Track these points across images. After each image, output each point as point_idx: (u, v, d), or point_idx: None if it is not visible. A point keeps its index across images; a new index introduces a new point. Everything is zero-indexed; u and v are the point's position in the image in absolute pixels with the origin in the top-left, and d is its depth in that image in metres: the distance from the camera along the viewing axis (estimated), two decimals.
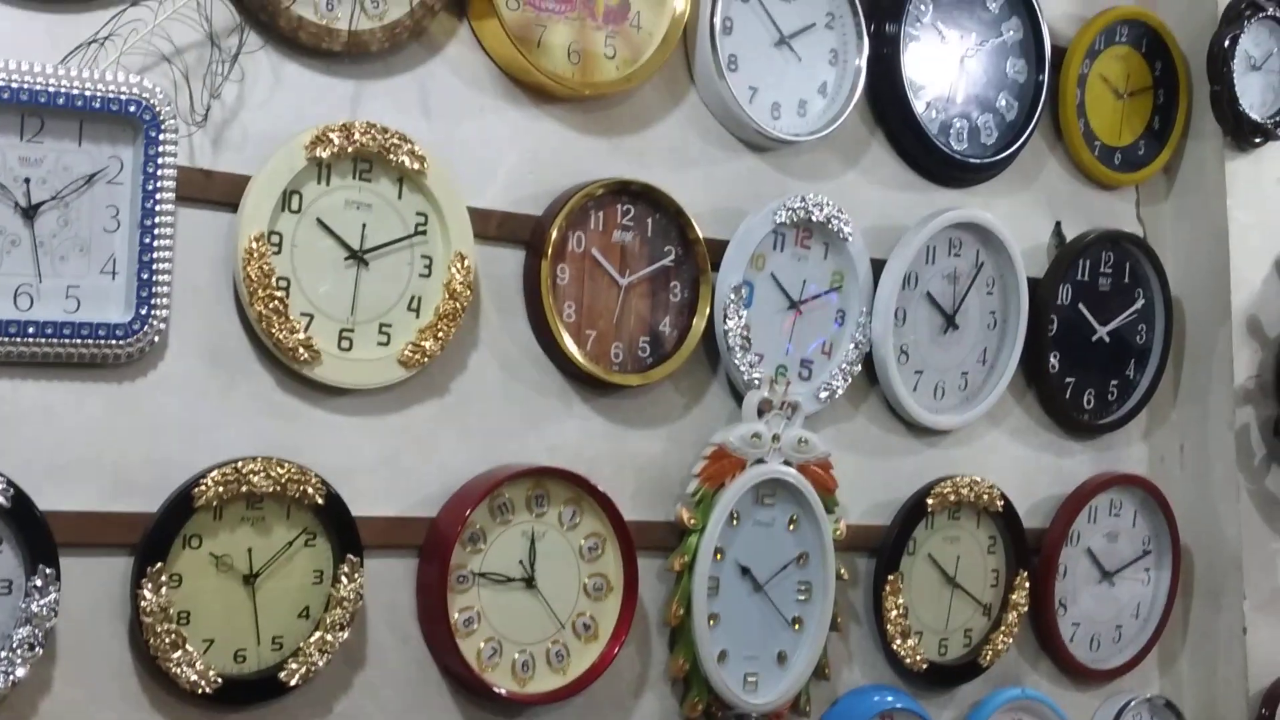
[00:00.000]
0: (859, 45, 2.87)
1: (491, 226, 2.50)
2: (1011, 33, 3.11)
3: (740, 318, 2.71)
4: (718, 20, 2.69)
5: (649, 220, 2.64)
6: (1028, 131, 3.11)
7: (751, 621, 2.73)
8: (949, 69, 3.03)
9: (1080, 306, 3.21)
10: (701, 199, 2.74)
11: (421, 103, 2.45)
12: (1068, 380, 3.21)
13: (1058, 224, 3.24)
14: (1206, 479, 3.32)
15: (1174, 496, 3.31)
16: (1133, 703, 3.20)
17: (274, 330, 2.24)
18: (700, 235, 2.67)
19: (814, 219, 2.79)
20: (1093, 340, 3.23)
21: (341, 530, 2.30)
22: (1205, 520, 3.32)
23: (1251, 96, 3.31)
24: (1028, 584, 3.06)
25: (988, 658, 3.02)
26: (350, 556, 2.30)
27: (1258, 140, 3.32)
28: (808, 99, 2.84)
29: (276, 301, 2.24)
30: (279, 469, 2.23)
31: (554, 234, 2.50)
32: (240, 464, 2.21)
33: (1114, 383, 3.28)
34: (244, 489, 2.21)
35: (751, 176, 2.81)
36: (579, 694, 2.53)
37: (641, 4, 2.64)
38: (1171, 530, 3.29)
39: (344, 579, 2.30)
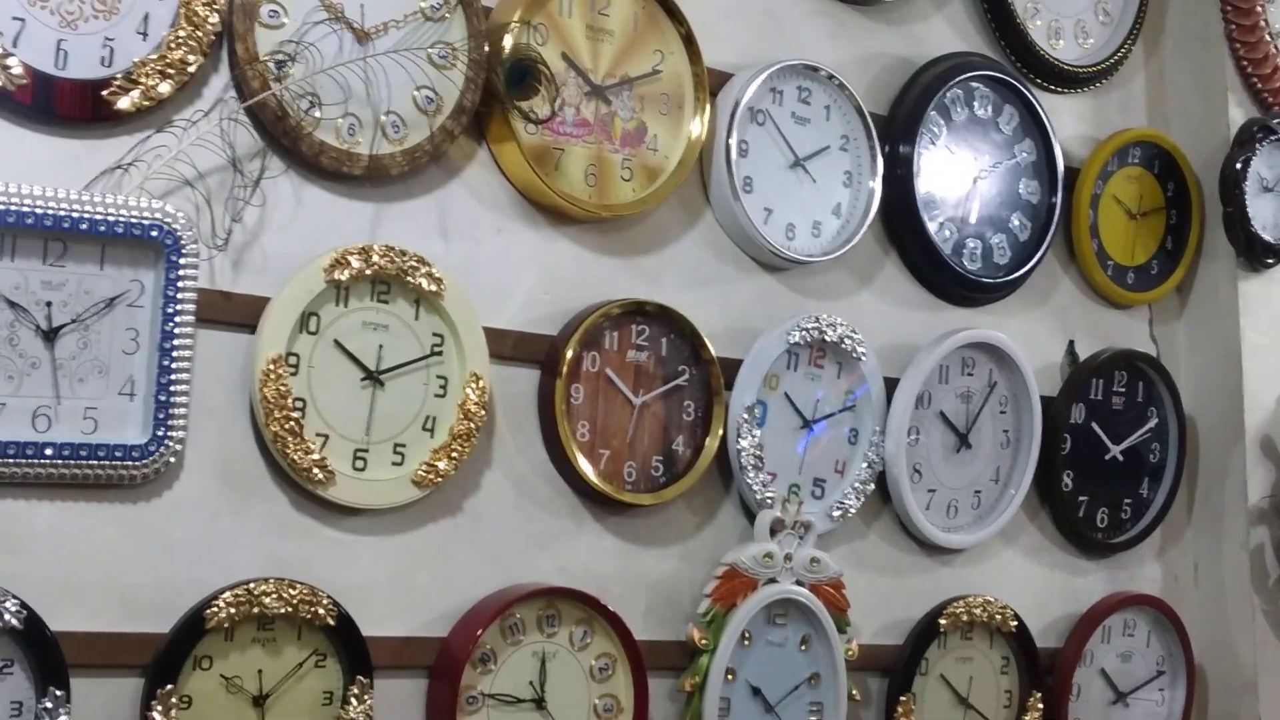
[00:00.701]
0: (873, 167, 2.90)
1: (508, 346, 2.52)
2: (1024, 154, 3.15)
3: (754, 437, 2.72)
4: (733, 143, 2.73)
5: (663, 340, 2.66)
6: (1041, 251, 3.14)
7: None
8: (962, 190, 3.06)
9: (1094, 425, 3.21)
10: (716, 319, 2.76)
11: (440, 224, 2.48)
12: (1081, 499, 3.20)
13: (1071, 343, 3.25)
14: (1220, 599, 3.31)
15: (1188, 616, 3.30)
16: None
17: (289, 450, 2.25)
18: (714, 355, 2.69)
19: (827, 338, 2.81)
20: (1106, 459, 3.23)
21: (352, 651, 2.30)
22: (1219, 641, 3.30)
23: (1264, 218, 3.33)
24: (1041, 705, 3.04)
25: None
26: (360, 678, 2.30)
27: (1270, 261, 3.34)
28: (822, 220, 2.87)
29: (292, 422, 2.25)
30: (291, 590, 2.23)
31: (569, 353, 2.52)
32: (253, 585, 2.21)
33: (1128, 502, 3.28)
34: (256, 610, 2.21)
35: (766, 296, 2.84)
36: None
37: (659, 127, 2.68)
38: (1185, 651, 3.27)
39: (354, 700, 2.29)
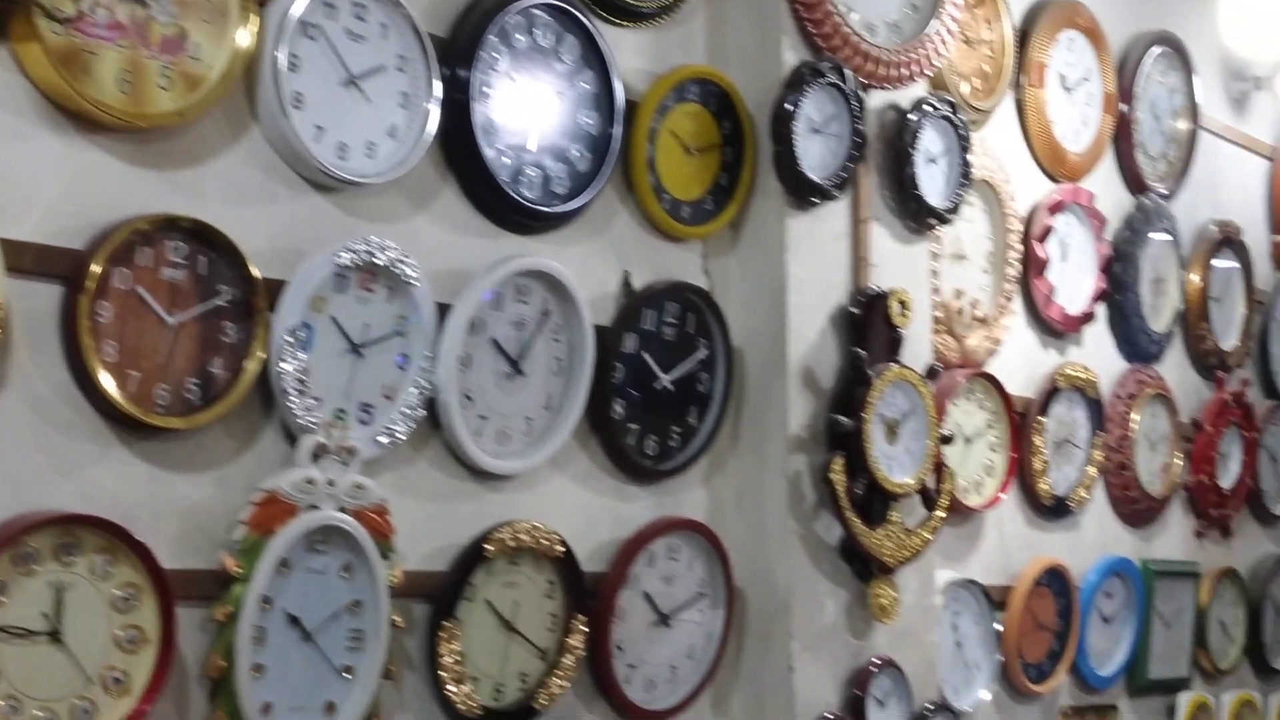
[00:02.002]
0: (430, 89, 2.86)
1: (27, 260, 2.37)
2: (585, 85, 3.17)
3: (298, 360, 2.66)
4: (282, 56, 2.64)
5: (201, 258, 2.56)
6: (598, 183, 3.17)
7: (299, 672, 2.67)
8: (522, 118, 3.06)
9: (645, 355, 3.29)
10: (261, 238, 2.67)
11: None
12: (631, 427, 3.28)
13: (626, 274, 3.31)
14: (760, 524, 3.45)
15: (730, 541, 3.42)
16: None
17: None
18: (258, 275, 2.61)
19: (378, 262, 2.76)
20: (657, 388, 3.31)
21: None
22: (758, 564, 3.45)
23: (812, 158, 3.46)
24: (584, 628, 3.11)
25: (543, 702, 3.04)
26: None
27: (815, 200, 3.48)
28: (377, 141, 2.81)
29: None
30: None
31: (95, 269, 2.40)
32: None
33: (676, 430, 3.37)
34: None
35: (315, 217, 2.77)
36: None
37: (201, 35, 2.56)
38: (726, 573, 3.40)
39: None
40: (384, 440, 2.80)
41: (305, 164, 2.71)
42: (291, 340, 2.65)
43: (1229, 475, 5.07)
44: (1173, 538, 4.92)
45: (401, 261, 2.80)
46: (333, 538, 2.70)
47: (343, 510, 2.70)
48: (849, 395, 3.51)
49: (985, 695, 4.09)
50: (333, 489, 2.69)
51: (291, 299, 2.66)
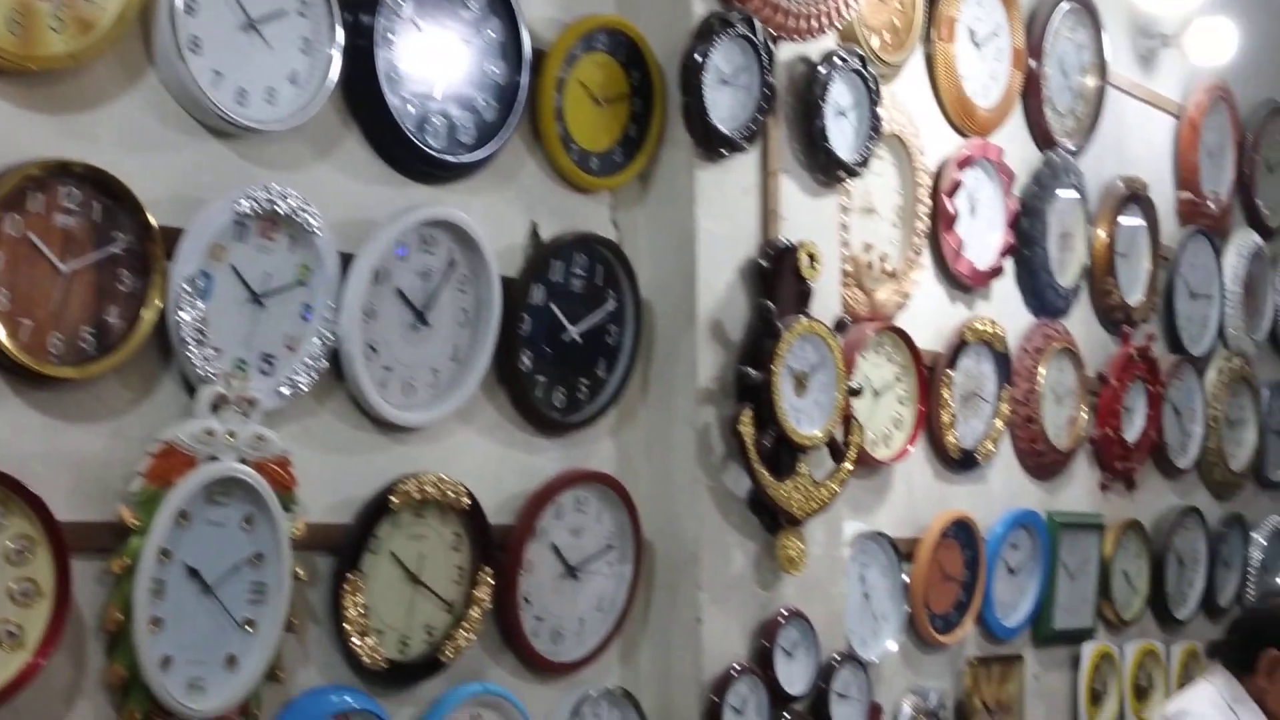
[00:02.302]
0: (332, 35, 2.82)
1: None
2: (492, 33, 3.14)
3: (196, 310, 2.62)
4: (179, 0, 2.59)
5: (96, 205, 2.51)
6: (505, 132, 3.14)
7: (200, 626, 2.64)
8: (427, 65, 3.02)
9: (553, 306, 3.27)
10: (158, 185, 2.62)
11: None
12: (539, 379, 3.26)
13: (534, 225, 3.28)
14: (669, 476, 3.45)
15: (638, 493, 3.42)
16: (591, 694, 3.28)
17: None
18: (154, 223, 2.56)
19: (279, 210, 2.72)
20: (565, 340, 3.30)
21: None
22: (666, 515, 3.45)
23: (720, 110, 3.45)
24: (491, 580, 3.09)
25: (449, 654, 3.03)
26: None
27: (724, 152, 3.47)
28: (277, 87, 2.77)
29: None
30: None
31: None
32: None
33: (584, 382, 3.36)
34: None
35: (214, 164, 2.72)
36: (1, 707, 2.37)
37: None
38: (635, 525, 3.40)
39: None
40: (286, 391, 2.77)
41: (203, 110, 2.66)
42: (190, 289, 2.60)
43: (1134, 429, 5.14)
44: (1078, 490, 4.98)
45: (303, 210, 2.76)
46: (233, 489, 2.67)
47: (243, 462, 2.67)
48: (758, 348, 3.51)
49: (892, 646, 4.13)
50: (233, 440, 2.65)
51: (189, 247, 2.62)
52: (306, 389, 2.80)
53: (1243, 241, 5.90)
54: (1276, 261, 6.18)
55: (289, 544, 2.73)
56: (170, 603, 2.59)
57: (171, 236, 2.61)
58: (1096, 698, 4.94)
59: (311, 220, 2.77)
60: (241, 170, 2.75)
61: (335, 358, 2.87)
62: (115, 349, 2.53)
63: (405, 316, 2.99)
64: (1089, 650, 4.92)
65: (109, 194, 2.52)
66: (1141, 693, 5.08)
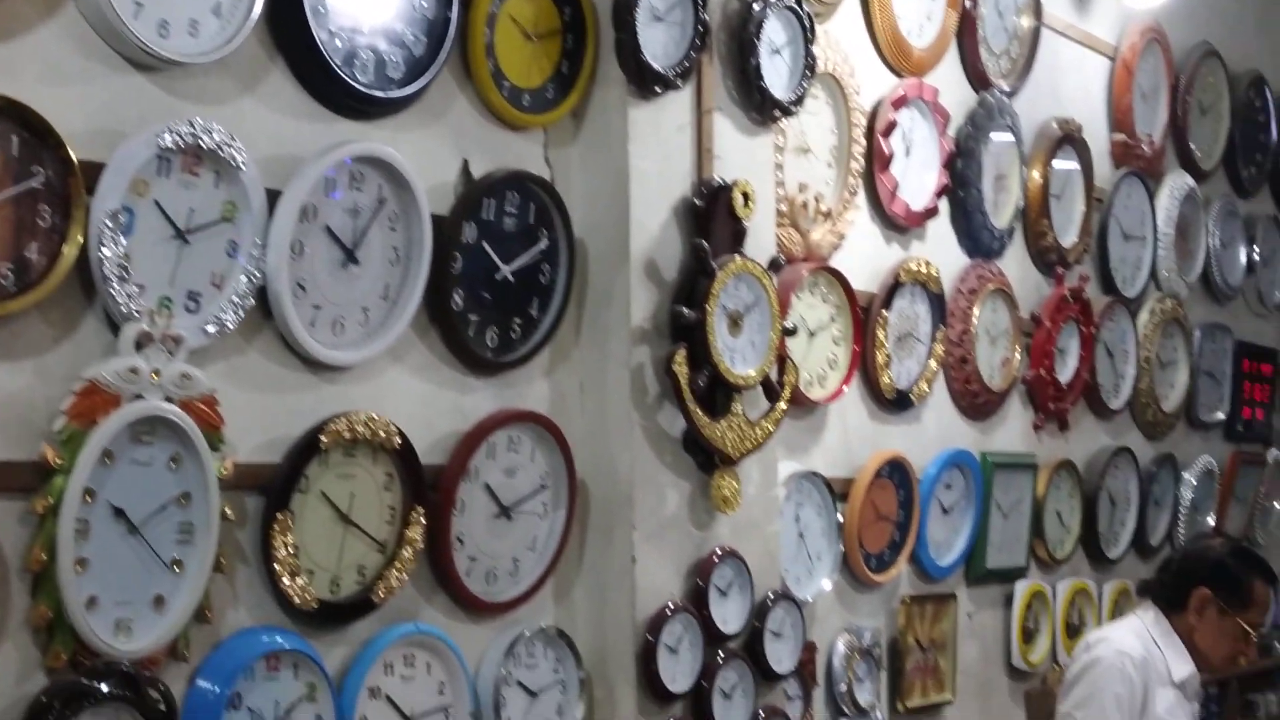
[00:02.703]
0: None
1: None
2: None
3: (118, 246, 2.57)
4: None
5: (13, 138, 2.45)
6: (435, 68, 3.10)
7: (126, 566, 2.60)
8: None
9: (485, 245, 3.24)
10: (78, 118, 2.57)
11: None
12: (472, 318, 3.23)
13: (465, 162, 3.25)
14: (603, 416, 3.44)
15: (572, 433, 3.41)
16: (526, 634, 3.28)
17: None
18: (74, 157, 2.51)
19: (203, 145, 2.68)
20: (497, 279, 3.27)
21: None
22: (601, 456, 3.44)
23: (654, 46, 3.42)
24: (424, 520, 3.08)
25: (381, 594, 3.01)
26: None
27: (658, 89, 3.44)
28: (200, 19, 2.72)
29: None
30: None
31: None
32: None
33: (518, 321, 3.33)
34: None
35: (136, 97, 2.67)
36: None
37: None
38: (569, 465, 3.38)
39: None
40: (212, 329, 2.73)
41: (124, 41, 2.60)
42: (111, 225, 2.56)
43: (1067, 370, 5.17)
44: (1011, 431, 5.01)
45: (228, 145, 2.71)
46: (159, 428, 2.63)
47: (169, 400, 2.63)
48: (692, 287, 3.50)
49: (826, 585, 4.15)
50: (158, 379, 2.61)
51: (111, 182, 2.57)
52: (233, 327, 2.77)
53: (1176, 184, 5.93)
54: (1209, 204, 6.23)
55: (217, 484, 2.70)
56: (96, 543, 2.56)
57: (92, 171, 2.56)
58: (1029, 636, 4.99)
59: (237, 156, 2.73)
60: (164, 104, 2.70)
61: (263, 296, 2.83)
62: (36, 286, 2.48)
63: (334, 254, 2.95)
64: (1021, 589, 4.97)
65: (27, 127, 2.47)
66: (1073, 630, 5.14)
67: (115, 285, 2.57)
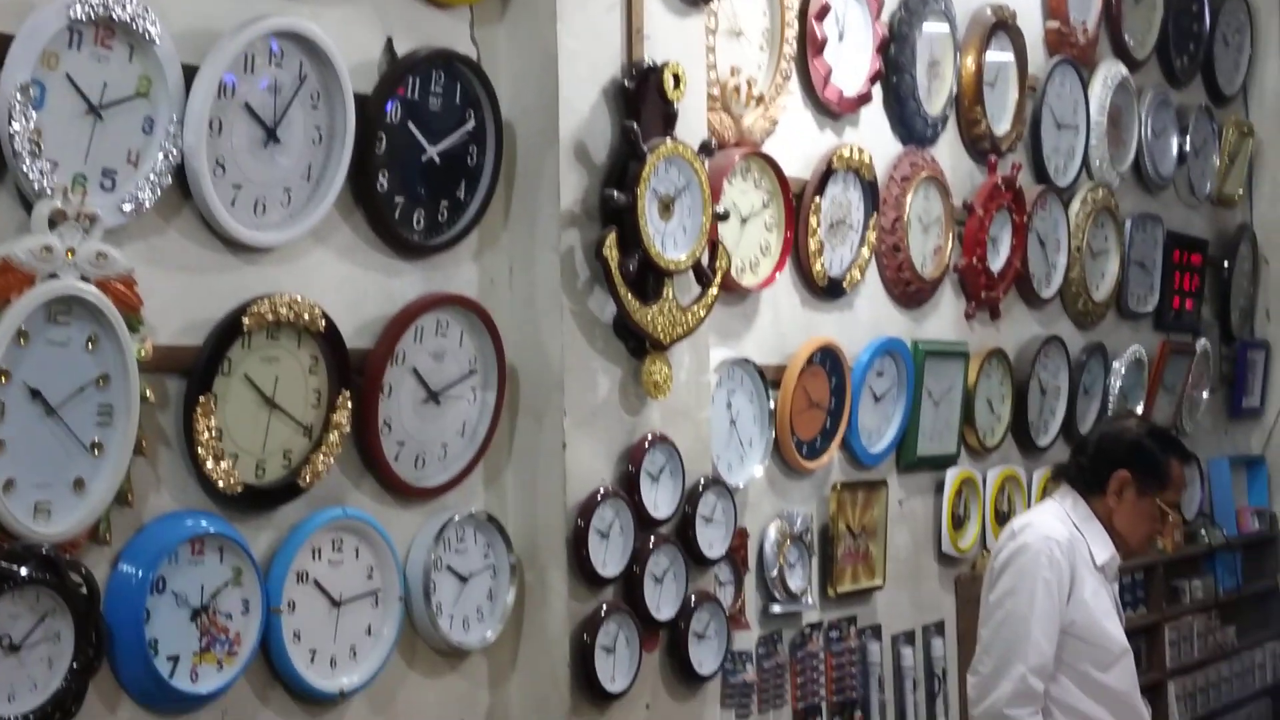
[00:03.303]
0: None
1: None
2: None
3: (29, 120, 2.50)
4: None
5: None
6: None
7: (44, 448, 2.56)
8: None
9: (410, 125, 3.18)
10: None
11: None
12: (397, 199, 3.18)
13: (389, 40, 3.18)
14: (532, 300, 3.40)
15: (501, 318, 3.37)
16: (456, 518, 3.26)
17: None
18: None
19: (116, 17, 2.60)
20: (423, 160, 3.21)
21: None
22: (531, 340, 3.41)
23: None
24: (350, 404, 3.04)
25: (308, 479, 2.98)
26: None
27: None
28: None
29: None
30: None
31: None
32: None
33: (445, 204, 3.28)
34: None
35: None
36: None
37: None
38: (498, 350, 3.35)
39: None
40: (129, 208, 2.67)
41: None
42: (21, 98, 2.48)
43: (999, 259, 5.17)
44: (943, 319, 5.02)
45: (142, 17, 2.64)
46: (75, 309, 2.57)
47: (85, 280, 2.57)
48: (623, 170, 3.46)
49: (758, 471, 4.15)
50: (73, 257, 2.55)
51: (19, 53, 2.49)
52: (151, 206, 2.71)
53: (1109, 72, 5.92)
54: (1142, 93, 6.22)
55: (136, 366, 2.65)
56: (12, 424, 2.51)
57: (0, 43, 2.47)
58: (959, 522, 5.03)
59: (151, 29, 2.65)
60: None
61: (181, 175, 2.77)
62: None
63: (255, 133, 2.89)
64: (952, 476, 5.00)
65: None
66: (1002, 517, 5.17)
67: (27, 161, 2.50)
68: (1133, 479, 3.68)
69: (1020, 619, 3.52)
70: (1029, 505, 5.31)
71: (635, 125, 3.44)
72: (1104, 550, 3.68)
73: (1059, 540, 3.59)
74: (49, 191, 2.53)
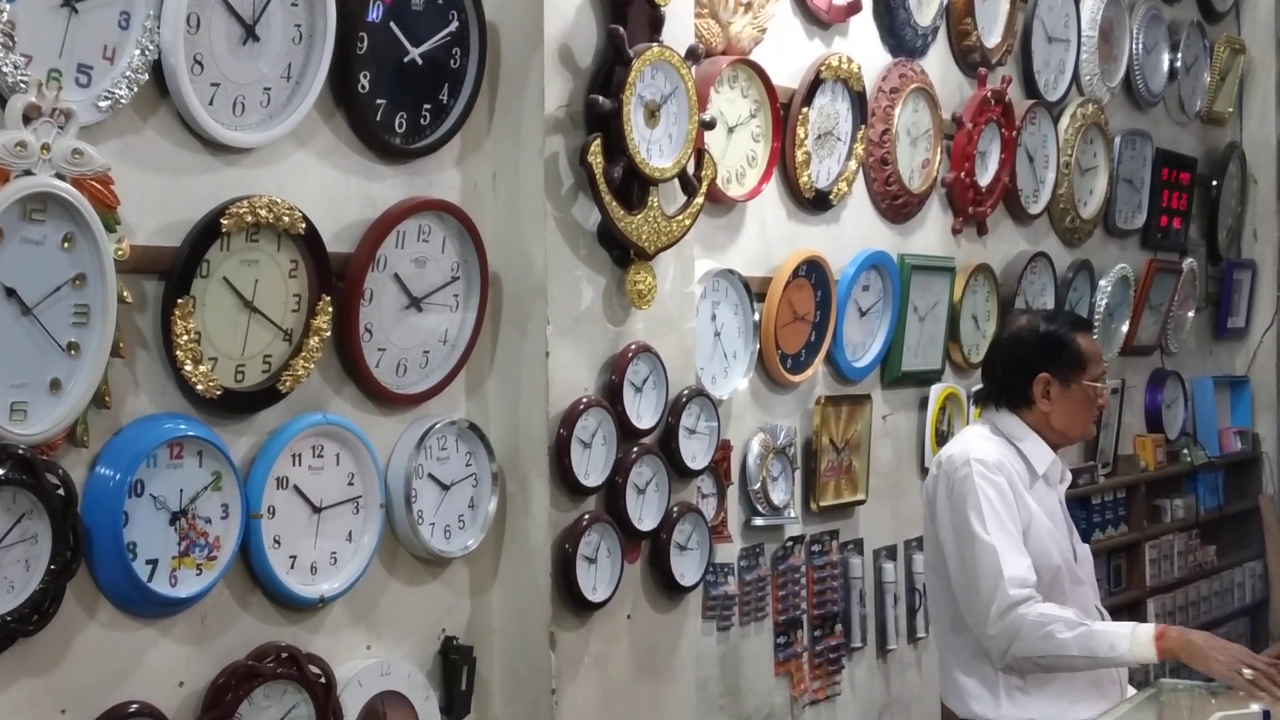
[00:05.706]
0: None
1: None
2: None
3: (1, 14, 2.43)
4: None
5: None
6: None
7: (20, 348, 2.51)
8: None
9: (392, 25, 3.12)
10: None
11: None
12: (379, 102, 3.12)
13: None
14: (516, 207, 3.36)
15: (484, 224, 3.33)
16: (438, 425, 3.23)
17: None
18: None
19: None
20: (405, 61, 3.15)
21: None
22: (514, 248, 3.37)
23: None
24: (331, 309, 3.00)
25: (288, 384, 2.94)
26: None
27: None
28: None
29: None
30: None
31: None
32: None
33: (427, 107, 3.23)
34: None
35: None
36: None
37: None
38: (480, 257, 3.31)
39: None
40: (105, 105, 2.61)
41: None
42: None
43: (987, 173, 5.13)
44: (930, 234, 4.99)
45: None
46: (50, 206, 2.52)
47: (60, 177, 2.52)
48: (608, 75, 3.41)
49: (742, 384, 4.13)
50: (48, 154, 2.50)
51: None
52: (127, 103, 2.65)
53: None
54: (1134, 8, 6.16)
55: (113, 265, 2.60)
56: None
57: None
58: (942, 438, 5.02)
59: None
60: None
61: (158, 71, 2.71)
62: None
63: (233, 30, 2.83)
64: (936, 391, 4.99)
65: None
66: None
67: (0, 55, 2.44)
68: (1053, 376, 3.57)
69: (981, 547, 3.39)
70: None
71: (621, 29, 3.38)
72: (1044, 458, 3.58)
73: (987, 460, 3.47)
74: (22, 86, 2.47)
